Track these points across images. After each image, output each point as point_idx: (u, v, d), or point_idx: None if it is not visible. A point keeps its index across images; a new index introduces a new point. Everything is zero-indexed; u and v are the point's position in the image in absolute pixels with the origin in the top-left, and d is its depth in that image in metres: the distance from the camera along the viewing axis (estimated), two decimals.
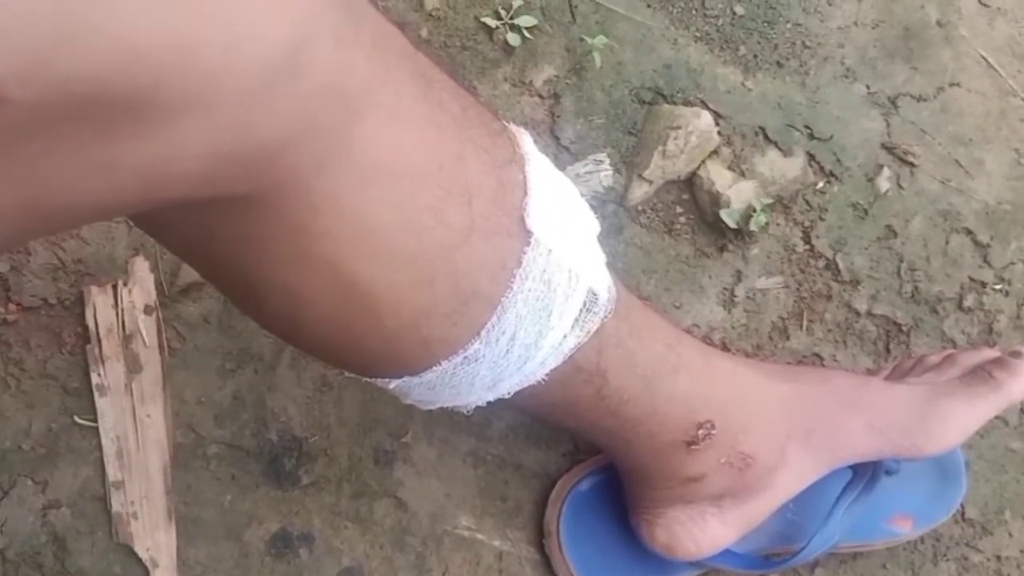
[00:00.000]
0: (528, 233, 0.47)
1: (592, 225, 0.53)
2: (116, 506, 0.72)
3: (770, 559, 0.71)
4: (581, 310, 0.51)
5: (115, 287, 0.73)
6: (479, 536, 0.74)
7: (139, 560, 0.72)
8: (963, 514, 0.75)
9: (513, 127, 0.50)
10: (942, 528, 0.73)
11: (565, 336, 0.51)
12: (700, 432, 0.60)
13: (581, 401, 0.56)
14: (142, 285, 0.74)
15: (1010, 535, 0.75)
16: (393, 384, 0.50)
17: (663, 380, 0.59)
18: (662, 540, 0.66)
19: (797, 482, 0.65)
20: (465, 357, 0.48)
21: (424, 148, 0.42)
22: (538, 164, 0.49)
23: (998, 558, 0.75)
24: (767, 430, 0.63)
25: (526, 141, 0.50)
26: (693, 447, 0.61)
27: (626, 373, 0.57)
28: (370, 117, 0.40)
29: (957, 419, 0.64)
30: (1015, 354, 0.68)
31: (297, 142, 0.37)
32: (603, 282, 0.52)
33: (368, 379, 0.51)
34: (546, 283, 0.48)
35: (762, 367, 0.68)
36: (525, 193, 0.47)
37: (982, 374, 0.66)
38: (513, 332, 0.48)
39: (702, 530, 0.65)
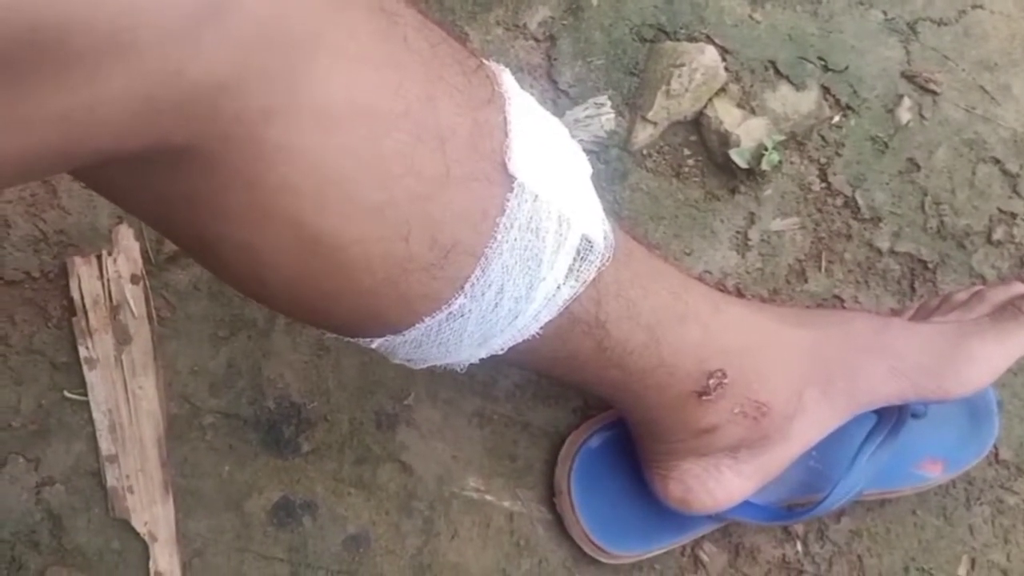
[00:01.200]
0: (511, 178, 0.44)
1: (584, 167, 0.50)
2: (111, 480, 0.71)
3: (793, 510, 0.68)
4: (575, 258, 0.48)
5: (99, 257, 0.71)
6: (488, 497, 0.72)
7: (137, 535, 0.71)
8: (997, 455, 0.72)
9: (492, 64, 0.47)
10: (974, 471, 0.71)
11: (559, 287, 0.48)
12: (711, 382, 0.58)
13: (581, 354, 0.54)
14: (127, 254, 0.71)
15: None
16: (376, 343, 0.48)
17: (670, 330, 0.56)
18: (677, 494, 0.63)
19: (816, 430, 0.62)
20: (450, 313, 0.46)
21: (386, 90, 0.39)
22: (520, 104, 0.46)
23: None
24: (783, 377, 0.60)
25: (506, 79, 0.47)
26: (705, 397, 0.58)
27: (629, 324, 0.54)
28: (321, 59, 0.37)
29: (986, 358, 0.61)
30: None
31: (236, 87, 0.35)
32: (598, 228, 0.49)
33: (350, 339, 0.49)
34: (534, 231, 0.45)
35: (778, 312, 0.65)
36: (506, 135, 0.44)
37: (1012, 310, 0.63)
38: (501, 284, 0.46)
39: (718, 483, 0.63)
